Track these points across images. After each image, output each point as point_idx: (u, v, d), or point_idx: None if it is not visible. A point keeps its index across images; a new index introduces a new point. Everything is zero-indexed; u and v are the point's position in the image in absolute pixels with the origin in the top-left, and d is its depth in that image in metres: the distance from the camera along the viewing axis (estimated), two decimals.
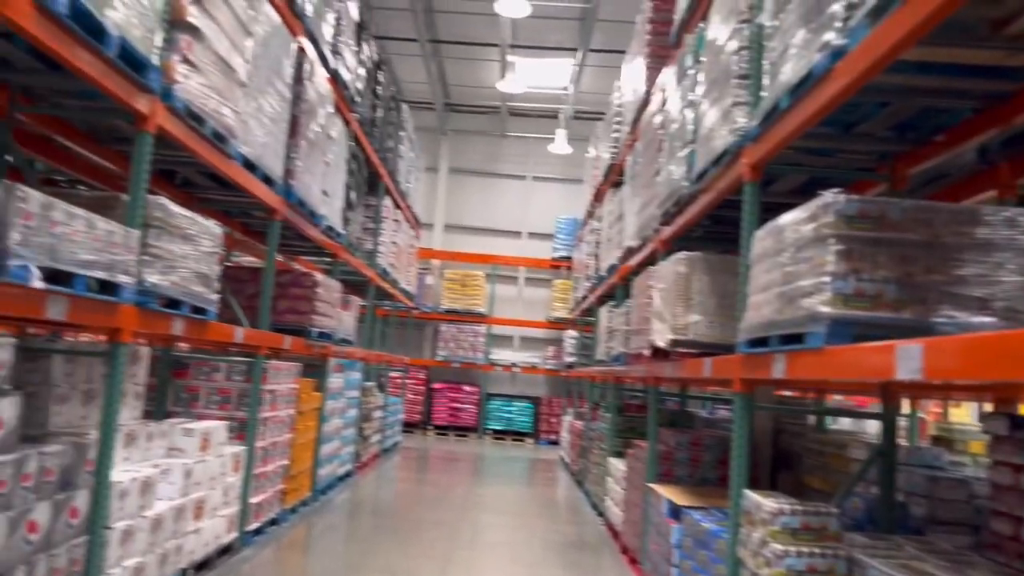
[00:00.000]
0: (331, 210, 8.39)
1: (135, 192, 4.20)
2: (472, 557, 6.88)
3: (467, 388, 18.46)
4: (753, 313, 3.89)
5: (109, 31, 3.60)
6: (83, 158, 5.95)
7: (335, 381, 9.33)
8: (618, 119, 10.11)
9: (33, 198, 3.16)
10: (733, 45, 4.55)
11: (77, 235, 3.50)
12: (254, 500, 6.53)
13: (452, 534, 7.66)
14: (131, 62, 3.89)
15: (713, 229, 6.57)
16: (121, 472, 4.39)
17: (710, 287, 5.17)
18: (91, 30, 3.50)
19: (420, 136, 16.85)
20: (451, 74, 17.21)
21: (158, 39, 4.14)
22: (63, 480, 3.70)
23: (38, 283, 3.19)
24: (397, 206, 13.05)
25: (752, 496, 3.83)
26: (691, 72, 5.63)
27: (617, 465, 8.06)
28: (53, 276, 3.35)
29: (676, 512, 5.28)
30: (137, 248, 4.10)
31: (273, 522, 7.20)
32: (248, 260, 10.57)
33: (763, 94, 4.12)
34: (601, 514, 9.11)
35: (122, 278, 3.93)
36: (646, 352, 6.25)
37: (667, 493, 5.55)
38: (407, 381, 17.61)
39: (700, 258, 5.19)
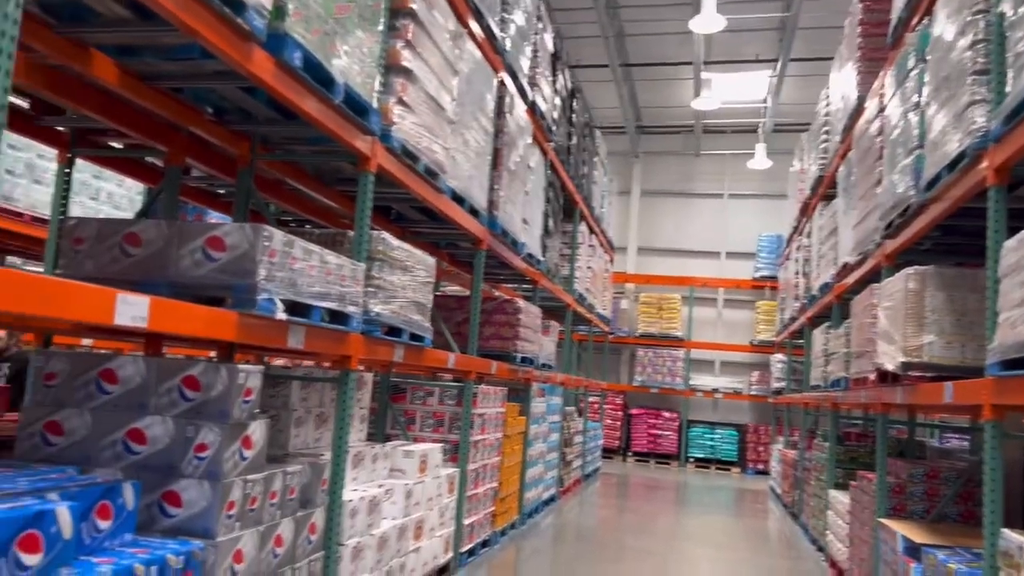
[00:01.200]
0: (531, 238, 8.56)
1: (359, 228, 4.48)
2: None
3: (666, 414, 18.07)
4: (1007, 331, 3.48)
5: (336, 79, 3.88)
6: (309, 199, 6.45)
7: (538, 406, 9.45)
8: (826, 129, 9.57)
9: (276, 236, 3.44)
10: (967, 40, 4.15)
11: (312, 269, 3.77)
12: (467, 521, 6.71)
13: (660, 565, 7.46)
14: (354, 107, 4.17)
15: (942, 241, 5.99)
16: (350, 491, 4.65)
17: (946, 304, 4.70)
18: (320, 80, 3.79)
19: (612, 160, 16.90)
20: (643, 96, 17.14)
21: (376, 83, 4.42)
22: (303, 498, 3.97)
23: (281, 315, 3.46)
24: (592, 231, 13.10)
25: (1013, 536, 3.39)
26: (914, 73, 5.20)
27: (839, 497, 7.51)
28: (292, 308, 3.63)
29: (914, 551, 4.80)
30: (363, 280, 4.36)
31: (485, 544, 7.36)
32: (452, 289, 11.01)
33: (1007, 90, 3.71)
34: (821, 549, 8.52)
35: (351, 308, 4.19)
36: (871, 376, 5.79)
37: (902, 529, 5.07)
38: (605, 407, 17.53)
39: (933, 272, 4.74)
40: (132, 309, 2.62)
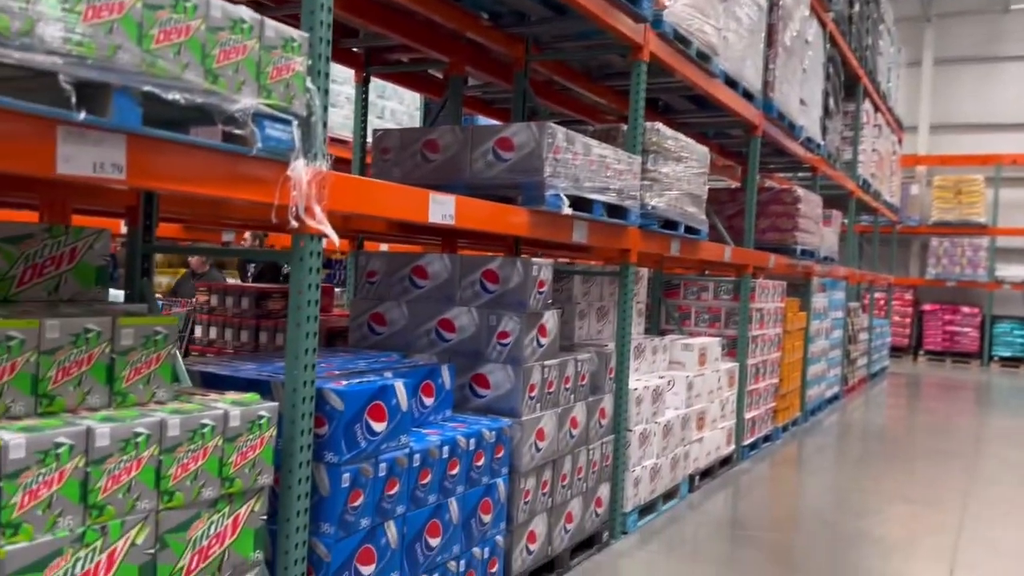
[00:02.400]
0: (809, 120, 7.97)
1: (634, 120, 4.45)
2: (1005, 494, 6.08)
3: (965, 309, 16.35)
4: None
5: None
6: (578, 97, 6.50)
7: (819, 301, 8.98)
8: None
9: (559, 133, 3.52)
10: None
11: (592, 164, 3.82)
12: (748, 415, 6.65)
13: (968, 467, 6.89)
14: None
15: None
16: (634, 381, 4.79)
17: None
18: None
19: (900, 27, 15.03)
20: None
21: None
22: (593, 385, 4.16)
23: (567, 210, 3.57)
24: (877, 109, 11.89)
25: None
26: None
27: None
28: (575, 203, 3.72)
29: None
30: (639, 173, 4.35)
31: (767, 439, 7.27)
32: (715, 181, 10.63)
33: None
34: None
35: (628, 202, 4.21)
36: None
37: None
38: (892, 302, 16.23)
39: None
40: (442, 208, 2.85)
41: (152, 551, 2.01)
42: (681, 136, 4.93)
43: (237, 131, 2.10)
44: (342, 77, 7.00)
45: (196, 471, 2.10)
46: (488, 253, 7.12)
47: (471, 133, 3.58)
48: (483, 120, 7.51)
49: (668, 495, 5.15)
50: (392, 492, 2.74)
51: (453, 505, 3.07)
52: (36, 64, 1.61)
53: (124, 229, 3.11)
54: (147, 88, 1.82)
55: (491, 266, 3.58)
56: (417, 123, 8.35)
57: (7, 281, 2.35)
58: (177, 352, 2.46)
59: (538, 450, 3.59)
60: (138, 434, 1.97)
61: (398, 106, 8.59)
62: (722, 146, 8.80)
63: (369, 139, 5.83)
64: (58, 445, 1.82)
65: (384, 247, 8.03)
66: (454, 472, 3.06)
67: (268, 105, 2.14)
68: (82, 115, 1.69)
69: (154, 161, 1.95)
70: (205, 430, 2.12)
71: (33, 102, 1.66)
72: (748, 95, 6.19)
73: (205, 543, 2.14)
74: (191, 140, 2.04)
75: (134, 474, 1.96)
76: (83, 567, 1.85)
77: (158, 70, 1.84)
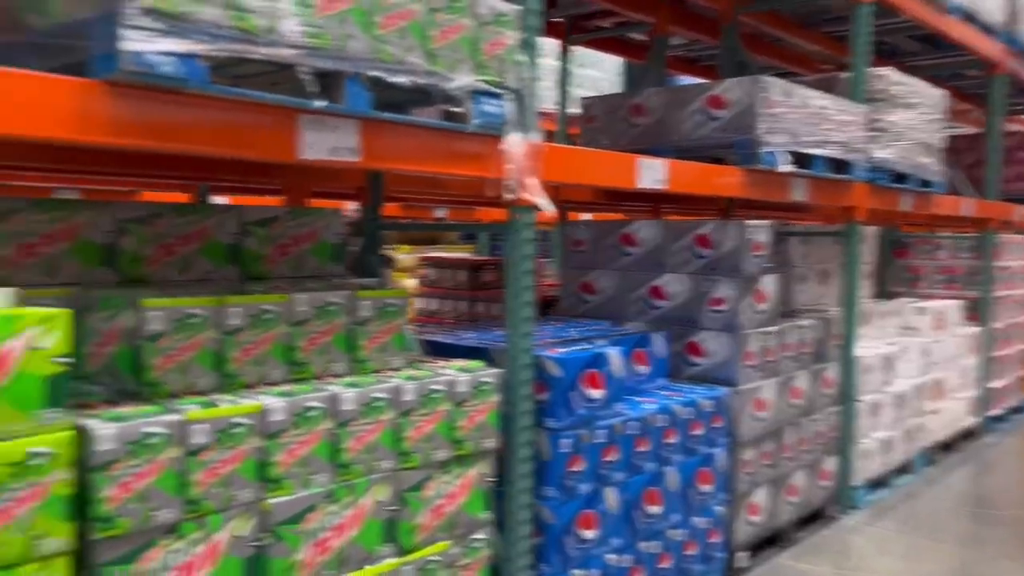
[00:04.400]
0: None
1: (858, 66, 4.11)
2: None
3: None
4: None
5: None
6: (789, 47, 6.11)
7: None
8: None
9: (774, 86, 3.33)
10: None
11: (811, 117, 3.58)
12: (993, 384, 6.02)
13: None
14: None
15: None
16: (862, 348, 4.48)
17: None
18: None
19: None
20: None
21: None
22: (816, 352, 3.94)
23: (785, 167, 3.38)
24: None
25: None
26: None
27: None
28: (793, 159, 3.51)
29: None
30: (864, 123, 4.02)
31: (1016, 410, 6.55)
32: (951, 127, 9.60)
33: None
34: None
35: (853, 155, 3.91)
36: None
37: None
38: None
39: None
40: (652, 172, 2.79)
41: (394, 508, 2.16)
42: (911, 80, 4.50)
43: (454, 109, 2.17)
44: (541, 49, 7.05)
45: (429, 434, 2.22)
46: (694, 217, 6.93)
47: (678, 93, 3.48)
48: (686, 80, 7.29)
49: (902, 470, 4.79)
50: (610, 459, 2.75)
51: (671, 474, 3.04)
52: (280, 58, 1.74)
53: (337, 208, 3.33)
54: (375, 73, 1.92)
55: (703, 230, 3.47)
56: (618, 89, 8.26)
57: (259, 260, 2.60)
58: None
59: (758, 420, 3.47)
60: (377, 399, 2.11)
61: (597, 73, 8.53)
62: (958, 88, 7.92)
63: (570, 109, 5.84)
64: (310, 408, 1.99)
65: (585, 216, 8.06)
66: (671, 441, 3.02)
67: (483, 81, 2.19)
68: (322, 103, 1.82)
69: (382, 143, 2.06)
70: (436, 395, 2.24)
71: (273, 93, 1.81)
72: (987, 29, 5.52)
73: (439, 502, 2.27)
74: (413, 120, 2.13)
75: (376, 436, 2.11)
76: (334, 521, 2.03)
77: (384, 55, 1.94)
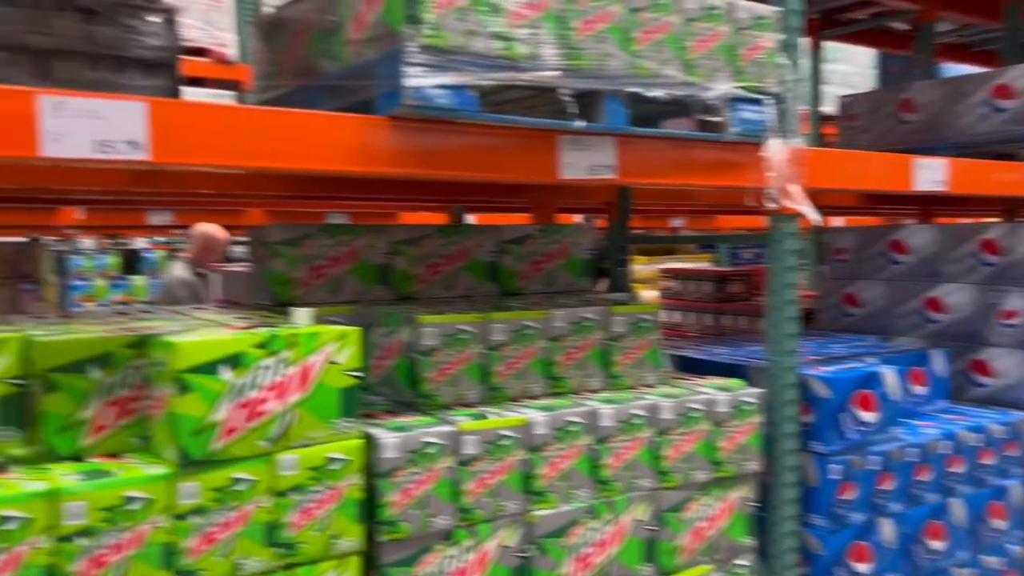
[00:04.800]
0: None
1: None
2: None
3: None
4: None
5: None
6: None
7: None
8: None
9: None
10: None
11: None
12: None
13: None
14: None
15: None
16: None
17: None
18: None
19: None
20: None
21: None
22: None
23: None
24: None
25: None
26: None
27: None
28: None
29: None
30: None
31: None
32: None
33: None
34: None
35: None
36: None
37: None
38: None
39: None
40: (931, 173, 2.54)
41: (654, 527, 2.13)
42: None
43: (711, 118, 2.11)
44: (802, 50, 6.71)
45: (689, 453, 2.17)
46: (972, 220, 6.24)
47: (956, 85, 3.14)
48: (957, 69, 6.60)
49: None
50: (885, 487, 2.52)
51: (956, 506, 2.73)
52: (543, 82, 1.79)
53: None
54: (632, 89, 1.92)
55: (990, 234, 3.09)
56: (871, 85, 7.66)
57: (515, 276, 2.69)
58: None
59: None
60: (635, 415, 2.10)
61: (849, 68, 7.97)
62: None
63: (823, 108, 5.50)
64: (570, 423, 2.01)
65: (837, 221, 7.52)
66: (956, 470, 2.71)
67: (742, 88, 2.10)
68: (582, 123, 1.84)
69: (638, 157, 2.04)
70: (695, 414, 2.18)
71: (531, 117, 1.86)
72: None
73: (699, 524, 2.20)
74: (670, 133, 2.10)
75: (634, 453, 2.09)
76: (596, 537, 2.03)
77: (641, 70, 1.93)
